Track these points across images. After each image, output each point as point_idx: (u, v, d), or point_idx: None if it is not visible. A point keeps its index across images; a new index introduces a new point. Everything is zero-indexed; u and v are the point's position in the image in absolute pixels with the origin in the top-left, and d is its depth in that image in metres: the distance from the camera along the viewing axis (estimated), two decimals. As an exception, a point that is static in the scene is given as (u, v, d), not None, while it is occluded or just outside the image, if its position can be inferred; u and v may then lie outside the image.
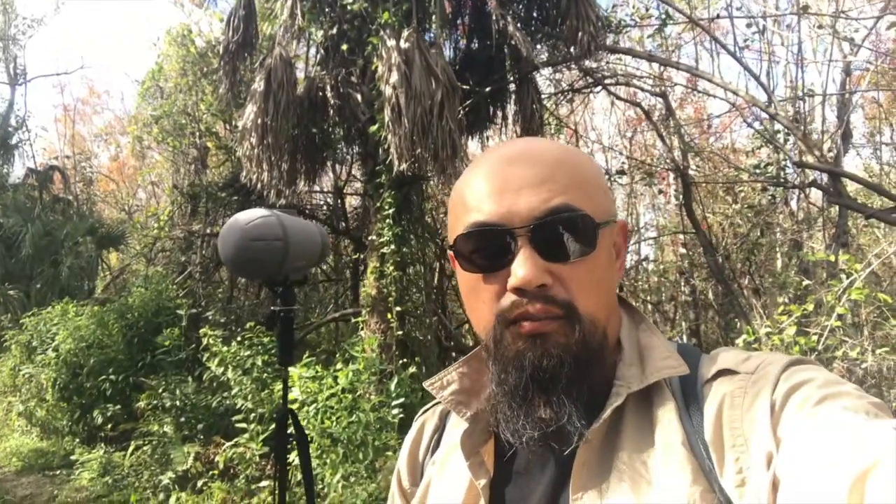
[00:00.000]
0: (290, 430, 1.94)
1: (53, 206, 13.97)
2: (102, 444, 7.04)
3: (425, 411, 0.95)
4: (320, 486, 4.54)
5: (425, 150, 5.12)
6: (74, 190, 16.62)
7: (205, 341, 5.99)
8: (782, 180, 7.04)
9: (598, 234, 0.71)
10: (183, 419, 6.25)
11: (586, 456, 0.69)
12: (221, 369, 5.81)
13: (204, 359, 6.02)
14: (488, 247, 0.72)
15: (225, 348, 5.86)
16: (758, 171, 7.52)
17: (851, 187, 7.10)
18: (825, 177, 5.83)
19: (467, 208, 0.74)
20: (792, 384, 0.64)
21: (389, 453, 4.60)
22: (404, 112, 5.11)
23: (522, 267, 0.68)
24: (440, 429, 0.90)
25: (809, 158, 5.25)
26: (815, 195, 8.51)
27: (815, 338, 3.76)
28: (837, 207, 6.40)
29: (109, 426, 7.03)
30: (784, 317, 3.98)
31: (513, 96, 7.06)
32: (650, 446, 0.68)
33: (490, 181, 0.73)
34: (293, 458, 3.91)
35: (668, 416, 0.69)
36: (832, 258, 4.15)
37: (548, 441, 0.70)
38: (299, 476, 4.10)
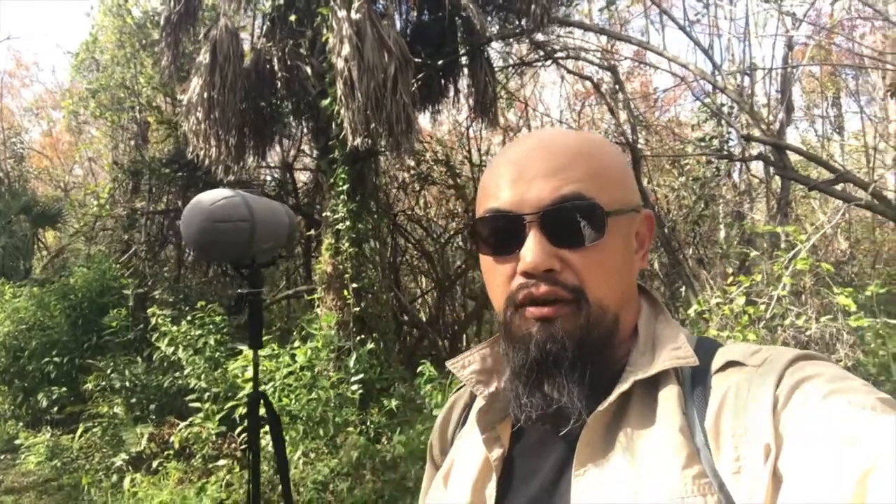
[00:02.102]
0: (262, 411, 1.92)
1: (-18, 184, 13.29)
2: (49, 428, 6.81)
3: (458, 390, 1.01)
4: (280, 464, 4.53)
5: (380, 124, 5.05)
6: (5, 167, 15.80)
7: (153, 321, 5.84)
8: (727, 153, 7.21)
9: (608, 221, 0.74)
10: (134, 400, 6.11)
11: (591, 435, 0.72)
12: (172, 349, 5.70)
13: (153, 339, 5.89)
14: (502, 232, 0.77)
15: (175, 328, 5.74)
16: (703, 143, 7.69)
17: (790, 159, 7.33)
18: (768, 149, 5.99)
19: (487, 194, 0.80)
20: (798, 378, 0.65)
21: (350, 429, 4.62)
22: (357, 86, 5.02)
23: (530, 251, 0.73)
24: (469, 405, 0.95)
25: (756, 132, 5.39)
26: (756, 167, 8.77)
27: (762, 307, 3.90)
28: (779, 179, 6.61)
29: (55, 409, 6.82)
30: (733, 287, 4.11)
31: (465, 69, 7.00)
32: (651, 430, 0.70)
33: (510, 170, 0.78)
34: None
35: (670, 404, 0.71)
36: (778, 230, 4.29)
37: (551, 420, 0.75)
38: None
